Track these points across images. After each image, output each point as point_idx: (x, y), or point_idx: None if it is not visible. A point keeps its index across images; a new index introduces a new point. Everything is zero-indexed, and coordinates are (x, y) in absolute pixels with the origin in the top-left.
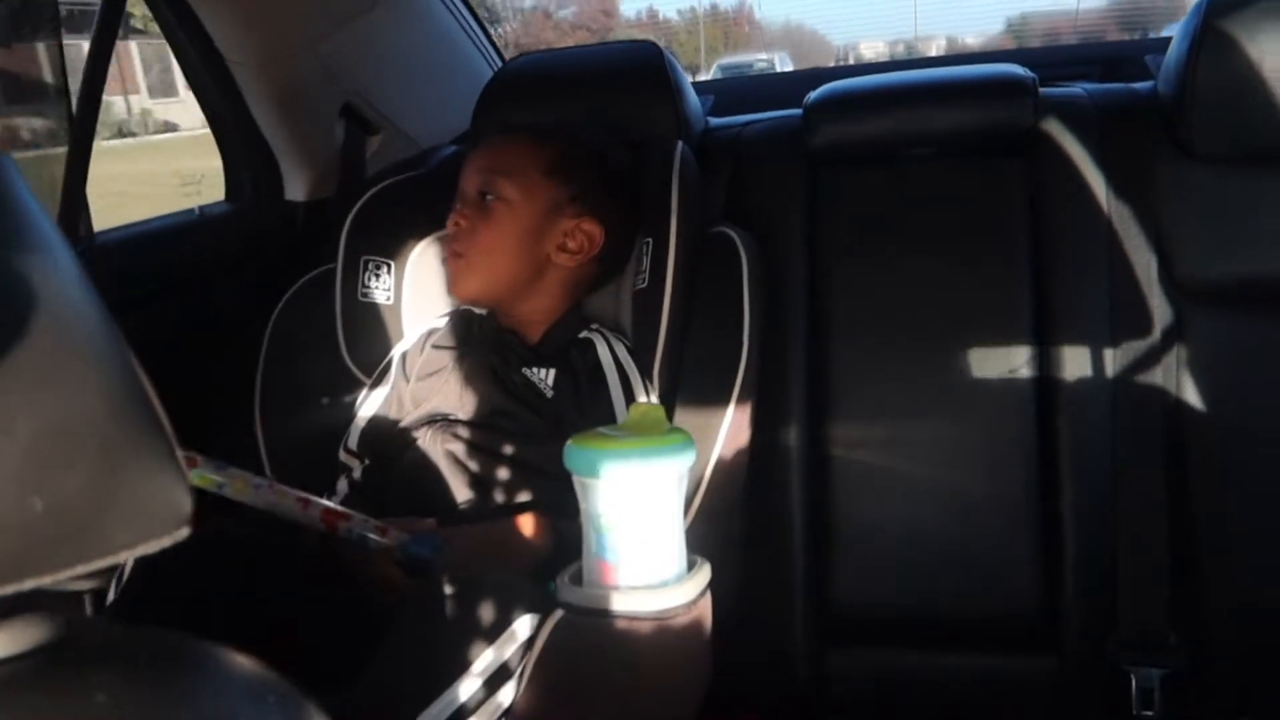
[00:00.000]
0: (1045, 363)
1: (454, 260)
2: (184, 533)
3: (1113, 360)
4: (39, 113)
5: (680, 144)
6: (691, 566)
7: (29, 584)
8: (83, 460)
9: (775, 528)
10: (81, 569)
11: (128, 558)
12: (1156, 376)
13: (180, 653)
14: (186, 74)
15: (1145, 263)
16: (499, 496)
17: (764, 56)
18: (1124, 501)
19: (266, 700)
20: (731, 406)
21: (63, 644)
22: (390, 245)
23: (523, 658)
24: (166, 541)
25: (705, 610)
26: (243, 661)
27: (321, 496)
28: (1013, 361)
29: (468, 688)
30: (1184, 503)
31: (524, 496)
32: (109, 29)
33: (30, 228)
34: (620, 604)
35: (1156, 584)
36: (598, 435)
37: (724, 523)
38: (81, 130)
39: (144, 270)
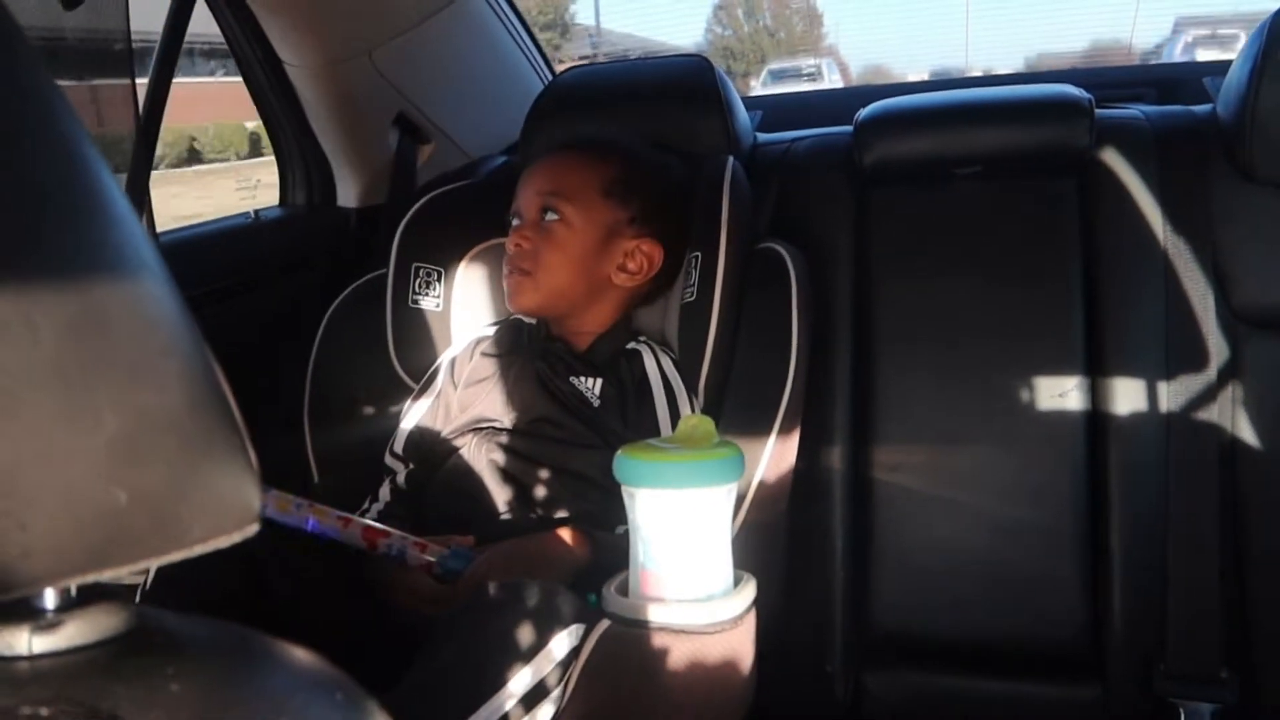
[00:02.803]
0: (1096, 390)
1: (516, 276)
2: (254, 529)
3: (1167, 391)
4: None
5: (731, 159)
6: (738, 582)
7: (108, 574)
8: (164, 455)
9: (816, 545)
10: (158, 561)
11: (201, 551)
12: (1213, 409)
13: (248, 646)
14: (246, 79)
15: (1202, 290)
16: (542, 505)
17: (812, 62)
18: (1175, 534)
19: (334, 696)
20: (778, 423)
21: (135, 633)
22: (441, 254)
23: (569, 667)
24: (237, 537)
25: (750, 626)
26: (308, 657)
27: (366, 500)
28: (1062, 388)
29: (512, 697)
30: (1238, 537)
31: (567, 505)
32: (177, 32)
33: (119, 223)
34: (667, 616)
35: (1207, 617)
36: (648, 446)
37: (766, 539)
38: (146, 133)
39: (200, 273)
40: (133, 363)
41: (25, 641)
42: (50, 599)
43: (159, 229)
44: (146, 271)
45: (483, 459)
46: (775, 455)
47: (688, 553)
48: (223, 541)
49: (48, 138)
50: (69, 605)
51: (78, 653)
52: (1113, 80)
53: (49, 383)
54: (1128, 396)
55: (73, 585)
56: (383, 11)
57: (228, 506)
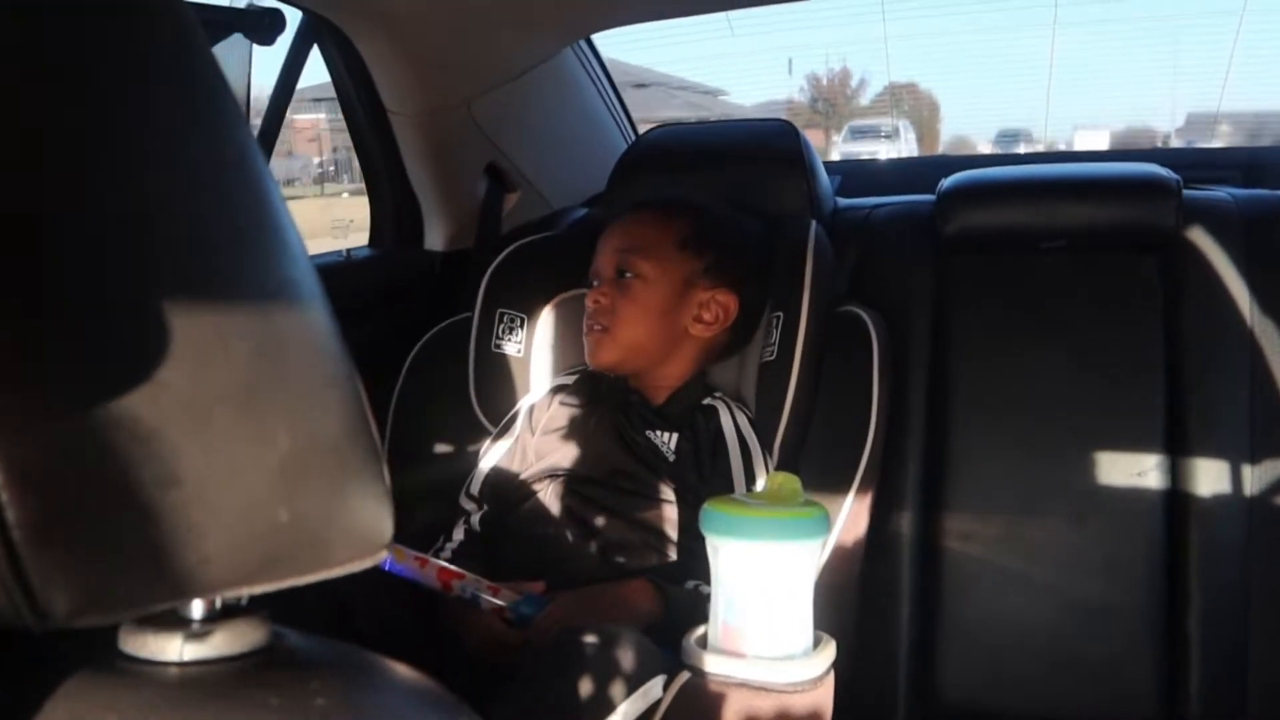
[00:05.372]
0: (1176, 469)
1: (596, 334)
2: (384, 555)
3: (1250, 473)
4: None
5: (814, 223)
6: (817, 643)
7: (260, 588)
8: (324, 477)
9: (882, 611)
10: (302, 579)
11: (340, 573)
12: None
13: (378, 668)
14: (349, 123)
15: None
16: (613, 555)
17: (889, 122)
18: (1256, 619)
19: None
20: (854, 488)
21: (274, 648)
22: (524, 300)
23: (649, 718)
24: (369, 562)
25: (829, 688)
26: (431, 683)
27: (439, 540)
28: (1141, 466)
29: None
30: None
31: (639, 557)
32: (289, 82)
33: (297, 259)
34: (748, 672)
35: None
36: (735, 500)
37: (837, 601)
38: None
39: None
40: (304, 388)
41: (177, 649)
42: (198, 610)
43: None
44: (316, 305)
45: (558, 506)
46: (850, 518)
47: (770, 609)
48: (357, 565)
49: (248, 181)
50: (215, 617)
51: (226, 662)
52: (1199, 161)
53: (237, 402)
54: (1209, 477)
55: (219, 599)
56: (484, 66)
57: (366, 531)
